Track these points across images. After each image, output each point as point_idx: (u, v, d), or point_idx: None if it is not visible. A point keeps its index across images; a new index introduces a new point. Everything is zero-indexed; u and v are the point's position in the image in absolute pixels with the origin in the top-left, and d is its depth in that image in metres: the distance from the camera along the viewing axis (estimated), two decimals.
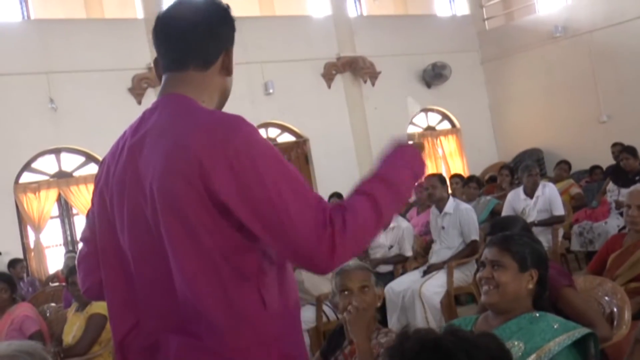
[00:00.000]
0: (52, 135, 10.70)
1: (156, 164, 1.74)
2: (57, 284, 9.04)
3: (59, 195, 10.91)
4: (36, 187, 10.63)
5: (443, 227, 6.56)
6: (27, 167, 10.72)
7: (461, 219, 6.46)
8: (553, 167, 10.97)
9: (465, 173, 13.19)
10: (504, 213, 7.49)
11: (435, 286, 6.16)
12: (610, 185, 8.42)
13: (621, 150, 8.85)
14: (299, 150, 12.88)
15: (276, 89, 12.39)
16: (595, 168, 10.90)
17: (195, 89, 1.87)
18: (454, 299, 6.34)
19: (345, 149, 13.09)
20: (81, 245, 2.07)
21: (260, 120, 11.74)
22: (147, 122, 1.86)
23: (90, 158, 11.07)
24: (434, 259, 6.58)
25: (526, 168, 7.71)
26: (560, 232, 7.50)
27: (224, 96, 1.97)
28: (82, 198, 10.69)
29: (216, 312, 1.72)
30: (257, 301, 1.75)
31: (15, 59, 10.46)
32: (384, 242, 7.04)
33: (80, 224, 10.82)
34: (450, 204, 6.55)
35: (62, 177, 11.03)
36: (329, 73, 13.25)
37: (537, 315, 2.46)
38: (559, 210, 7.36)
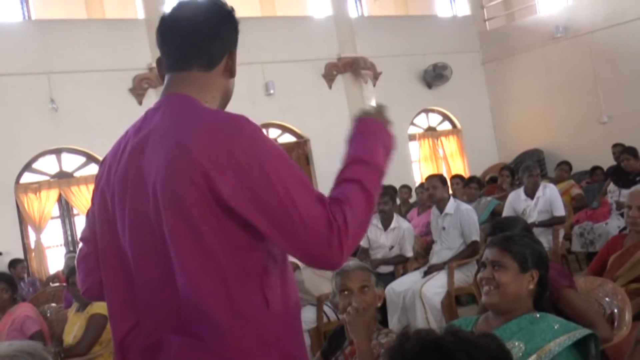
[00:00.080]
0: (52, 135, 10.70)
1: (159, 163, 1.74)
2: (57, 284, 9.04)
3: (60, 195, 10.91)
4: (37, 187, 10.64)
5: (444, 228, 6.55)
6: (27, 167, 10.73)
7: (462, 219, 6.46)
8: (554, 167, 10.97)
9: (466, 174, 13.19)
10: (504, 214, 7.49)
11: (436, 287, 6.15)
12: (611, 186, 8.42)
13: (622, 151, 8.84)
14: (300, 151, 12.88)
15: (277, 90, 12.40)
16: (595, 169, 10.89)
17: (198, 89, 1.87)
18: (455, 300, 6.34)
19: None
20: (81, 245, 2.06)
21: (260, 121, 11.73)
22: (150, 121, 1.86)
23: (90, 158, 11.07)
24: (434, 259, 6.57)
25: (527, 169, 7.71)
26: (561, 232, 7.50)
27: (226, 97, 1.97)
28: (83, 198, 10.69)
29: (219, 312, 1.72)
30: (260, 301, 1.75)
31: (16, 59, 10.46)
32: (384, 243, 7.05)
33: (80, 224, 10.81)
34: (451, 204, 6.55)
35: (63, 178, 11.04)
36: (330, 73, 13.25)
37: (538, 315, 2.46)
38: (560, 211, 7.36)
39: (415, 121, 14.57)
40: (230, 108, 1.97)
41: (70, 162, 11.22)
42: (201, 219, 1.69)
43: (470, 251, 6.41)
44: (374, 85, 13.65)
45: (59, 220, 11.16)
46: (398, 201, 9.72)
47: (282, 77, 12.48)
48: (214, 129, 1.73)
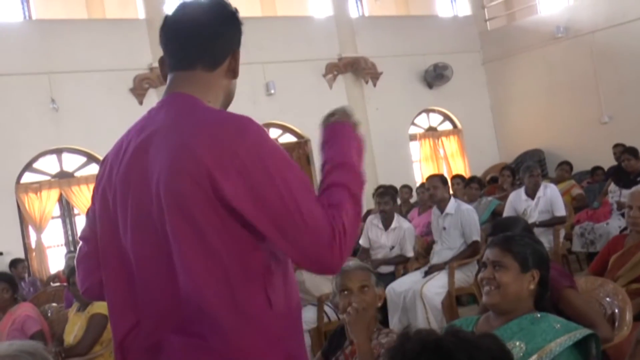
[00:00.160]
0: (53, 135, 10.71)
1: (163, 163, 1.74)
2: (58, 284, 9.04)
3: (60, 195, 10.92)
4: (37, 187, 10.64)
5: (444, 228, 6.55)
6: (28, 167, 10.74)
7: (462, 219, 6.45)
8: (554, 167, 10.96)
9: (467, 174, 13.19)
10: (505, 214, 7.49)
11: (437, 287, 6.15)
12: (612, 186, 8.41)
13: (623, 151, 8.84)
14: (300, 151, 12.88)
15: (277, 90, 12.40)
16: (596, 169, 10.89)
17: (201, 89, 1.87)
18: (455, 300, 6.34)
19: None
20: (81, 244, 2.06)
21: (261, 121, 11.63)
22: (154, 121, 1.86)
23: (91, 158, 11.08)
24: (435, 259, 6.57)
25: (527, 169, 7.71)
26: (562, 233, 7.50)
27: (228, 98, 1.97)
28: (84, 198, 10.70)
29: (222, 311, 1.72)
30: (263, 301, 1.75)
31: (17, 59, 10.47)
32: (385, 243, 7.05)
33: (81, 224, 10.81)
34: (452, 204, 6.55)
35: (64, 177, 11.04)
36: (331, 73, 13.25)
37: (539, 315, 2.46)
38: (561, 211, 7.36)
39: (416, 121, 14.57)
40: (231, 108, 1.97)
41: (71, 162, 11.23)
42: (204, 218, 1.69)
43: (471, 251, 6.40)
44: (375, 85, 13.64)
45: (59, 220, 11.17)
46: (399, 201, 9.72)
47: (282, 77, 12.49)
48: (218, 128, 1.73)
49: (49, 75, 10.64)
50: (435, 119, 14.98)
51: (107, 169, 1.93)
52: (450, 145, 14.91)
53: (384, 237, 7.07)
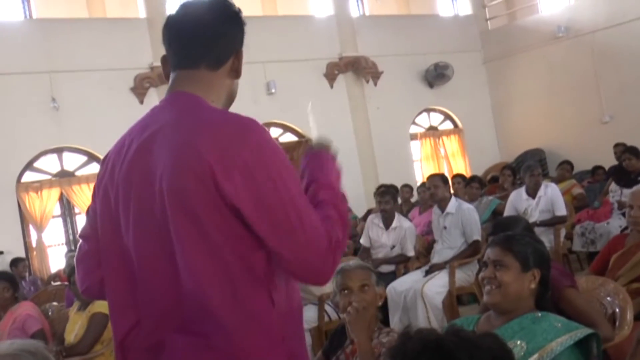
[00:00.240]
0: (54, 134, 10.71)
1: (167, 161, 1.74)
2: (59, 283, 9.04)
3: (61, 194, 10.93)
4: (38, 186, 10.65)
5: (445, 227, 6.55)
6: (29, 166, 10.74)
7: (463, 219, 6.45)
8: (555, 167, 10.95)
9: (468, 173, 13.19)
10: (506, 213, 7.48)
11: (437, 286, 6.15)
12: (613, 186, 8.41)
13: (623, 150, 8.83)
14: (301, 150, 12.85)
15: (278, 89, 12.40)
16: (597, 168, 10.88)
17: (204, 88, 1.87)
18: (456, 299, 6.34)
19: (347, 148, 13.08)
20: (80, 243, 2.05)
21: (262, 120, 11.61)
22: (157, 119, 1.86)
23: (92, 157, 11.08)
24: (436, 258, 6.57)
25: (528, 168, 7.70)
26: (563, 232, 7.49)
27: (230, 98, 1.98)
28: (84, 197, 10.70)
29: (225, 310, 1.72)
30: (266, 300, 1.75)
31: (18, 58, 10.47)
32: (386, 242, 7.05)
33: (82, 223, 10.81)
34: (453, 204, 6.54)
35: (64, 177, 11.05)
36: (331, 73, 13.25)
37: (540, 315, 2.46)
38: (561, 210, 7.35)
39: (416, 120, 14.57)
40: (232, 107, 1.97)
41: (72, 161, 11.23)
42: (207, 217, 1.70)
43: (472, 250, 6.40)
44: (376, 84, 13.63)
45: (60, 219, 11.18)
46: (399, 200, 9.72)
47: (283, 76, 12.49)
48: (223, 128, 1.74)
49: (50, 74, 10.65)
50: (436, 119, 14.97)
51: (108, 167, 1.93)
52: (451, 144, 14.90)
53: (384, 237, 7.07)
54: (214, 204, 1.69)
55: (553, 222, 7.31)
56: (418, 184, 11.35)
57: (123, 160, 1.87)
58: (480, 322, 2.62)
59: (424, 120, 14.82)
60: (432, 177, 6.91)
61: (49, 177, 10.96)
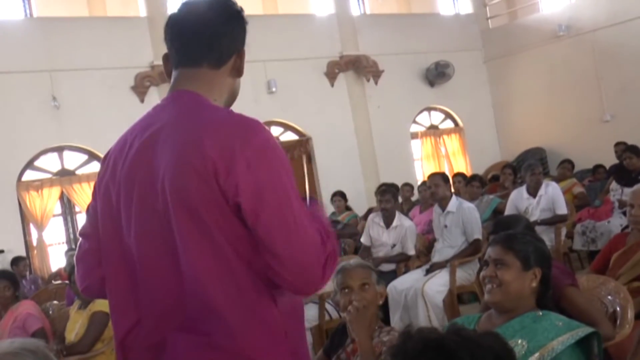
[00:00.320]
0: (54, 133, 10.71)
1: (169, 159, 1.74)
2: (59, 281, 9.05)
3: (62, 193, 10.93)
4: (39, 185, 10.65)
5: (446, 226, 6.55)
6: (29, 165, 10.74)
7: (464, 217, 6.45)
8: (556, 166, 10.94)
9: (468, 172, 13.18)
10: (506, 212, 7.48)
11: (438, 285, 6.15)
12: (613, 185, 8.41)
13: (624, 149, 8.83)
14: (302, 149, 12.88)
15: (279, 88, 12.40)
16: (598, 167, 10.87)
17: (206, 87, 1.88)
18: (457, 298, 6.34)
19: (348, 147, 13.10)
20: (81, 241, 2.04)
21: (263, 119, 11.49)
22: (159, 117, 1.86)
23: (92, 156, 11.08)
24: (436, 257, 6.57)
25: (529, 167, 7.70)
26: (563, 231, 7.49)
27: (232, 96, 1.98)
28: (85, 196, 10.70)
29: (228, 308, 1.72)
30: (268, 298, 1.76)
31: (18, 57, 10.46)
32: (386, 241, 7.05)
33: (82, 222, 10.82)
34: (453, 202, 6.54)
35: (65, 175, 11.04)
36: (332, 72, 13.25)
37: (541, 313, 2.46)
38: (562, 209, 7.35)
39: (417, 119, 14.57)
40: (233, 106, 1.97)
41: (72, 160, 11.23)
42: (209, 215, 1.70)
43: (473, 249, 6.40)
44: (376, 83, 13.63)
45: (60, 218, 11.18)
46: (400, 199, 9.71)
47: (284, 75, 12.48)
48: (227, 128, 1.74)
49: (51, 73, 10.64)
50: (436, 117, 14.97)
51: (110, 166, 1.93)
52: (452, 143, 14.90)
53: (385, 235, 7.07)
54: (216, 202, 1.69)
55: (554, 221, 7.31)
56: (419, 182, 11.35)
57: (125, 158, 1.87)
58: (481, 321, 2.62)
59: (425, 119, 14.81)
60: (433, 176, 6.90)
61: (49, 175, 10.95)
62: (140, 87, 11.33)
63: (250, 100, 11.48)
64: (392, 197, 7.24)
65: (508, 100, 14.90)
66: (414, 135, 14.40)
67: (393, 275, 6.76)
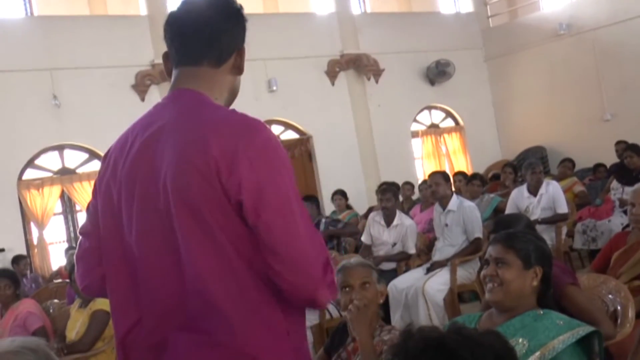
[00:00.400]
0: (55, 131, 10.71)
1: (171, 157, 1.74)
2: (60, 280, 9.05)
3: (62, 191, 10.92)
4: (39, 183, 10.65)
5: (446, 225, 6.55)
6: (30, 163, 10.73)
7: (464, 216, 6.45)
8: (557, 165, 10.95)
9: (469, 171, 13.18)
10: (507, 211, 7.48)
11: (439, 284, 6.15)
12: (614, 183, 8.40)
13: (625, 148, 8.83)
14: (303, 148, 12.87)
15: (280, 86, 12.39)
16: (599, 166, 10.86)
17: (207, 85, 1.88)
18: (457, 297, 6.34)
19: (348, 146, 13.09)
20: (81, 240, 2.04)
21: (263, 117, 11.57)
22: (161, 116, 1.86)
23: (93, 155, 11.07)
24: (437, 256, 6.57)
25: (530, 166, 7.70)
26: (564, 230, 7.49)
27: (232, 95, 1.98)
28: (86, 195, 10.70)
29: (230, 307, 1.72)
30: (270, 297, 1.75)
31: (19, 55, 10.46)
32: (387, 240, 7.05)
33: (83, 220, 10.82)
34: (454, 201, 6.54)
35: (66, 174, 11.04)
36: (333, 70, 13.24)
37: (541, 312, 2.46)
38: (563, 208, 7.36)
39: (418, 118, 14.56)
40: (233, 104, 1.97)
41: (73, 159, 11.22)
42: (211, 214, 1.70)
43: (473, 248, 6.40)
44: (377, 82, 13.62)
45: (61, 217, 11.17)
46: (401, 198, 9.71)
47: (284, 73, 12.47)
48: (230, 127, 1.74)
49: (51, 71, 10.64)
50: (437, 116, 14.96)
51: (110, 164, 1.92)
52: (452, 142, 14.89)
53: (386, 234, 7.07)
54: (218, 201, 1.69)
55: (554, 220, 7.32)
56: (419, 181, 11.35)
57: (126, 157, 1.86)
58: (482, 319, 2.62)
59: (425, 118, 14.80)
60: (433, 175, 6.90)
61: (50, 174, 10.95)
62: (140, 86, 11.32)
63: (251, 99, 11.48)
64: (392, 196, 7.24)
65: (509, 99, 14.90)
66: (415, 134, 14.40)
67: (394, 274, 6.76)
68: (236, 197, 1.68)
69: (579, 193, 9.37)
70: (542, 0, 14.95)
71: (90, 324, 5.09)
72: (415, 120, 14.48)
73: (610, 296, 3.48)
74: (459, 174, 10.34)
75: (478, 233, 6.42)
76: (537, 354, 2.28)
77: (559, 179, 9.48)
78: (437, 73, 14.15)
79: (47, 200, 10.63)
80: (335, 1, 13.59)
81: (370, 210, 9.44)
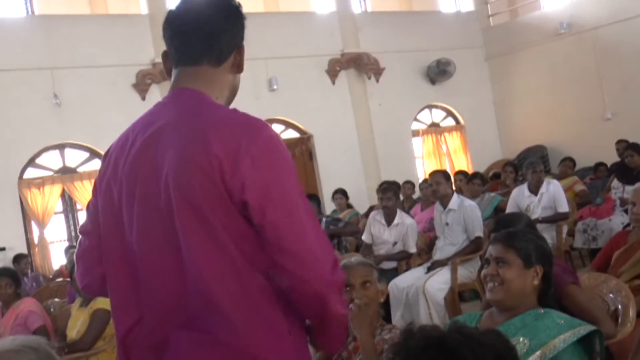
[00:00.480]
0: (56, 130, 10.71)
1: (173, 156, 1.74)
2: (61, 279, 9.06)
3: (63, 190, 10.93)
4: (40, 182, 10.65)
5: (447, 224, 6.55)
6: (31, 162, 10.73)
7: (465, 215, 6.45)
8: (557, 164, 10.95)
9: (470, 170, 13.17)
10: (508, 210, 7.48)
11: (439, 282, 6.15)
12: (615, 182, 8.40)
13: (626, 147, 8.82)
14: (303, 147, 12.87)
15: (280, 85, 12.39)
16: (599, 165, 10.86)
17: (207, 84, 1.88)
18: (458, 296, 6.34)
19: (349, 145, 13.09)
20: (81, 238, 2.04)
21: (264, 117, 11.57)
22: (162, 115, 1.86)
23: (94, 154, 11.07)
24: (437, 255, 6.57)
25: (530, 165, 7.70)
26: (565, 229, 7.49)
27: (233, 93, 1.98)
28: (86, 194, 10.70)
29: (231, 306, 1.72)
30: (271, 295, 1.76)
31: (20, 54, 10.46)
32: (388, 239, 7.05)
33: (84, 219, 10.82)
34: (455, 200, 6.54)
35: (66, 173, 11.05)
36: (333, 69, 13.24)
37: (542, 311, 2.46)
38: (563, 207, 7.35)
39: (418, 117, 14.55)
40: (234, 103, 1.97)
41: (74, 158, 11.23)
42: (213, 213, 1.70)
43: (474, 247, 6.40)
44: (377, 81, 13.62)
45: (62, 216, 11.17)
46: (401, 197, 9.71)
47: (285, 72, 12.47)
48: (232, 126, 1.74)
49: (52, 70, 10.64)
50: (438, 115, 14.95)
51: (111, 163, 1.92)
52: (453, 141, 14.88)
53: (386, 233, 7.07)
54: (220, 200, 1.69)
55: (555, 219, 7.31)
56: (420, 180, 11.34)
57: (127, 156, 1.86)
58: (482, 318, 2.62)
59: (426, 117, 14.80)
60: (434, 174, 6.90)
61: (50, 173, 10.95)
62: (141, 85, 11.32)
63: (252, 98, 11.48)
64: (393, 195, 7.24)
65: (509, 98, 14.89)
66: (415, 133, 14.39)
67: (394, 273, 6.76)
68: (240, 197, 1.68)
69: (580, 192, 9.37)
70: None
71: (91, 323, 5.09)
72: (415, 119, 14.48)
73: (611, 295, 3.48)
74: (460, 173, 10.34)
75: (479, 232, 6.42)
76: (538, 353, 2.28)
77: (559, 178, 9.48)
78: (438, 72, 14.15)
79: (48, 199, 10.64)
80: (336, 0, 13.59)
81: (371, 209, 9.44)
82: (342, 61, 13.31)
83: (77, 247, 2.05)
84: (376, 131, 13.39)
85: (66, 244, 10.75)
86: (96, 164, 10.90)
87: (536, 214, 7.25)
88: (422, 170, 14.04)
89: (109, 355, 5.04)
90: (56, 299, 6.78)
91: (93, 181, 2.03)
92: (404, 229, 6.99)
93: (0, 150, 10.17)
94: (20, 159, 10.52)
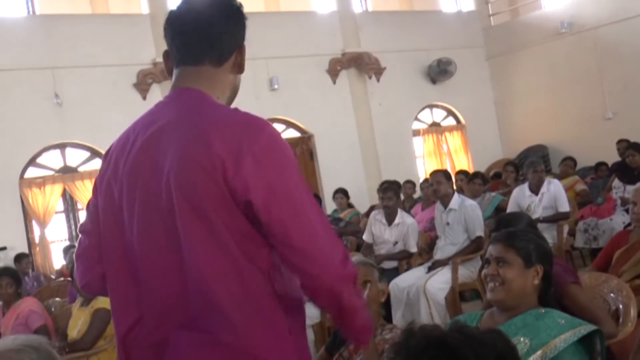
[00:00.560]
0: (57, 130, 10.71)
1: (174, 157, 1.74)
2: (62, 278, 9.06)
3: (64, 190, 10.93)
4: (41, 182, 10.65)
5: (448, 223, 6.54)
6: (32, 162, 10.74)
7: (466, 215, 6.44)
8: (558, 163, 10.95)
9: (470, 169, 13.16)
10: (509, 209, 7.48)
11: (440, 282, 6.15)
12: (616, 182, 8.40)
13: (627, 146, 8.82)
14: (304, 146, 12.87)
15: (281, 85, 12.39)
16: (600, 165, 10.86)
17: (208, 84, 1.88)
18: (459, 295, 6.34)
19: (350, 145, 13.09)
20: (80, 237, 2.04)
21: (265, 116, 11.36)
22: (162, 115, 1.86)
23: (95, 153, 11.08)
24: (438, 255, 6.57)
25: (531, 164, 7.70)
26: (565, 228, 7.49)
27: (234, 93, 1.98)
28: (87, 193, 10.69)
29: (232, 306, 1.72)
30: (271, 295, 1.76)
31: (21, 54, 10.46)
32: (388, 238, 7.05)
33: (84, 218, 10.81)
34: (455, 200, 6.54)
35: (67, 172, 11.05)
36: (334, 69, 13.23)
37: (543, 311, 2.46)
38: (564, 206, 7.35)
39: (419, 117, 14.55)
40: (235, 103, 1.97)
41: (75, 157, 11.23)
42: (214, 212, 1.70)
43: (475, 247, 6.40)
44: (378, 80, 13.62)
45: (63, 215, 11.18)
46: (402, 197, 9.71)
47: (286, 72, 12.47)
48: (234, 125, 1.74)
49: (53, 70, 10.64)
50: (438, 115, 14.95)
51: (111, 162, 1.92)
52: (454, 140, 14.88)
53: (387, 233, 7.07)
54: (222, 199, 1.69)
55: (556, 219, 7.31)
56: (421, 180, 11.34)
57: (128, 155, 1.86)
58: (483, 318, 2.61)
59: (427, 117, 14.80)
60: (435, 173, 6.90)
61: (51, 172, 10.95)
62: (142, 84, 11.32)
63: (252, 98, 11.48)
64: (394, 195, 7.24)
65: (510, 98, 14.89)
66: (416, 133, 14.39)
67: (395, 272, 6.76)
68: (243, 197, 1.68)
69: (581, 192, 9.36)
70: None
71: (91, 322, 5.09)
72: (416, 119, 14.47)
73: (612, 295, 3.48)
74: (461, 173, 10.33)
75: (479, 232, 6.42)
76: (539, 352, 2.28)
77: (560, 177, 9.48)
78: (439, 71, 14.15)
79: (49, 199, 10.64)
80: (337, 0, 13.59)
81: (372, 208, 9.43)
82: (342, 61, 13.30)
83: (77, 246, 2.05)
84: (377, 131, 13.39)
85: (67, 243, 10.76)
86: (97, 164, 10.89)
87: (537, 213, 7.25)
88: (422, 170, 14.04)
89: (109, 355, 5.05)
90: (57, 299, 6.77)
91: (94, 180, 2.02)
92: (404, 228, 6.99)
93: (1, 150, 10.17)
94: (21, 158, 10.53)
